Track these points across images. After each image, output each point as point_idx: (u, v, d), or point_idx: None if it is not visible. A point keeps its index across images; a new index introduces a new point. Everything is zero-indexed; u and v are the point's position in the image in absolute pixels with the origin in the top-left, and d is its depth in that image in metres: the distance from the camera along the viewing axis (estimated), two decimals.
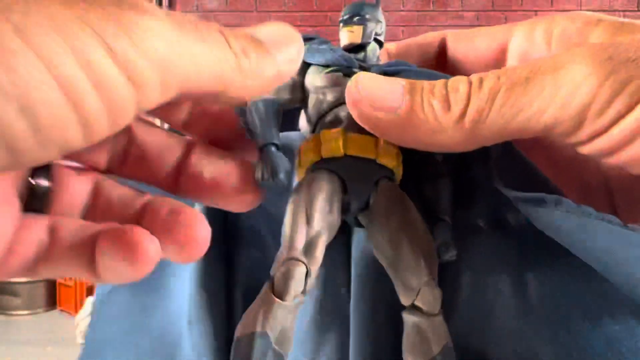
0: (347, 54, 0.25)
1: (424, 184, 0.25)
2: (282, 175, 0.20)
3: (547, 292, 0.24)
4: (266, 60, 0.18)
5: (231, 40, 0.17)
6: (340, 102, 0.24)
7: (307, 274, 0.21)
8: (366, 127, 0.21)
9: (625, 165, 0.20)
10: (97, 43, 0.14)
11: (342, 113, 0.24)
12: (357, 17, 0.26)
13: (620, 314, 0.23)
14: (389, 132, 0.21)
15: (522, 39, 0.25)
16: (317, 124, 0.24)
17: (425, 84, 0.20)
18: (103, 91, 0.14)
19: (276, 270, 0.21)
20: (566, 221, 0.20)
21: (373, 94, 0.20)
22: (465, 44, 0.28)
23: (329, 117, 0.24)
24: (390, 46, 0.30)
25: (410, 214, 0.23)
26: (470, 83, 0.20)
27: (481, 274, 0.25)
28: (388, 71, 0.24)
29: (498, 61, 0.26)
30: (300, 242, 0.21)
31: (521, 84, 0.19)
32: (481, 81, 0.20)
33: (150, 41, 0.15)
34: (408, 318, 0.21)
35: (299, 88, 0.25)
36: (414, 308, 0.21)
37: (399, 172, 0.24)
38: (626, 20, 0.22)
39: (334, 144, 0.23)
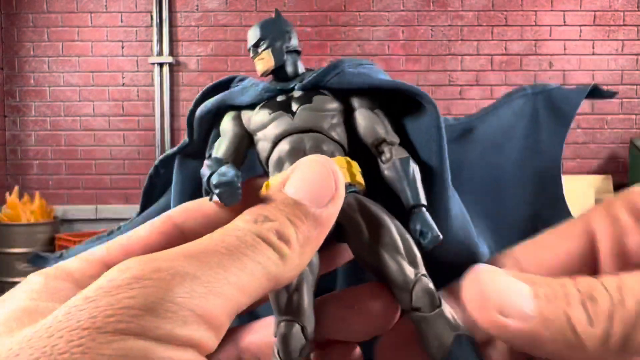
0: (267, 84, 0.26)
1: (383, 171, 0.24)
2: (223, 179, 0.20)
3: None
4: (310, 228, 0.18)
5: (271, 238, 0.17)
6: (279, 138, 0.24)
7: (303, 329, 0.20)
8: (492, 334, 0.18)
9: None
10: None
11: (283, 149, 0.24)
12: (261, 43, 0.26)
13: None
14: (518, 341, 0.18)
15: (605, 226, 0.21)
16: (267, 164, 0.25)
17: (556, 285, 0.18)
18: None
19: (275, 334, 0.21)
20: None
21: (501, 298, 0.17)
22: (535, 254, 0.22)
23: (274, 156, 0.24)
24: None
25: (381, 221, 0.22)
26: (610, 296, 0.17)
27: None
28: (311, 83, 0.25)
29: (586, 259, 0.21)
30: (282, 301, 0.21)
31: None
32: (621, 291, 0.17)
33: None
34: (413, 319, 0.21)
35: (245, 136, 0.25)
36: (413, 310, 0.21)
37: (362, 186, 0.24)
38: None
39: None
